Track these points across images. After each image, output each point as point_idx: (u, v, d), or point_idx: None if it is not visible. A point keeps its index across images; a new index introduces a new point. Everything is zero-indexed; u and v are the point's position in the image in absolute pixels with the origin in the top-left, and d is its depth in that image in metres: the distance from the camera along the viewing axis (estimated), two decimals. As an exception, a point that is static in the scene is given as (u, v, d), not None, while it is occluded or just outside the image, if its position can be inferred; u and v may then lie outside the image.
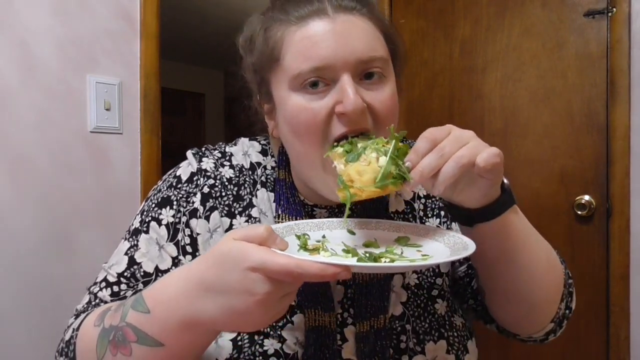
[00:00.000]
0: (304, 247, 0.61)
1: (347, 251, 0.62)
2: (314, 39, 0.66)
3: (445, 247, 0.63)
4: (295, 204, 0.76)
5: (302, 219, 0.75)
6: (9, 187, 1.36)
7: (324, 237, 0.67)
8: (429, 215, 0.82)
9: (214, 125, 5.81)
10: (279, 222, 0.74)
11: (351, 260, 0.58)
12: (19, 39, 1.38)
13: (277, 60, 0.69)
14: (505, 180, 0.64)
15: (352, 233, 0.69)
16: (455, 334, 0.77)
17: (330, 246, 0.63)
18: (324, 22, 0.66)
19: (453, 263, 0.83)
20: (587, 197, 1.87)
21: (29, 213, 1.40)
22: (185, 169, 0.80)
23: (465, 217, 0.65)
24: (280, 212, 0.75)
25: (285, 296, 0.54)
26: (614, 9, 1.80)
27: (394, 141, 0.61)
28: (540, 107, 1.96)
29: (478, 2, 2.08)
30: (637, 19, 1.77)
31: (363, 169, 0.59)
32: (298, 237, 0.63)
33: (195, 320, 0.56)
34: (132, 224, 0.78)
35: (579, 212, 1.87)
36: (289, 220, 0.74)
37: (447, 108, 2.16)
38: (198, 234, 0.75)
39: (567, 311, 0.75)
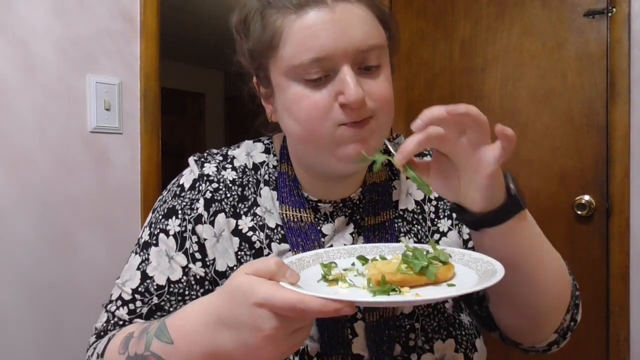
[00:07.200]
0: (325, 277, 0.60)
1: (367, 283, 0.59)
2: (314, 29, 0.66)
3: (472, 271, 0.61)
4: (299, 196, 0.77)
5: (306, 212, 0.76)
6: (9, 187, 1.36)
7: (353, 264, 0.65)
8: (440, 217, 0.82)
9: (214, 125, 5.82)
10: (283, 218, 0.75)
11: (354, 296, 0.56)
12: (19, 39, 1.38)
13: (276, 48, 0.69)
14: (512, 186, 0.62)
15: (384, 258, 0.67)
16: (464, 332, 0.77)
17: (352, 276, 0.61)
18: (323, 12, 0.66)
19: None
20: (587, 197, 1.87)
21: (29, 213, 1.40)
22: (187, 177, 0.80)
23: (470, 221, 0.64)
24: (283, 206, 0.76)
25: (298, 330, 0.54)
26: (614, 9, 1.80)
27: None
28: (540, 107, 1.96)
29: (478, 2, 2.08)
30: (637, 19, 1.77)
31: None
32: (324, 265, 0.63)
33: (215, 353, 0.58)
34: (142, 237, 0.79)
35: (579, 212, 1.87)
36: (292, 212, 0.76)
37: (447, 108, 2.16)
38: (205, 239, 0.76)
39: (572, 323, 0.75)
